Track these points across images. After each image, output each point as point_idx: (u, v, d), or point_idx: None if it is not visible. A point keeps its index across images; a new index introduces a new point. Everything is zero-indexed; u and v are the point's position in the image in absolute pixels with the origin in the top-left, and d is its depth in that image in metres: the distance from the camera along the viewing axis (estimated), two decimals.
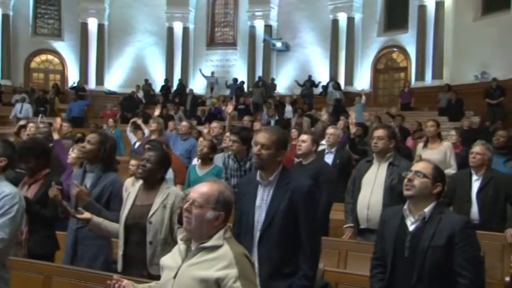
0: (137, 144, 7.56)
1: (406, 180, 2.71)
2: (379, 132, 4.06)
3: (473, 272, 2.52)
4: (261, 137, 2.75)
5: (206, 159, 5.27)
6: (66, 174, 4.83)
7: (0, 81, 17.94)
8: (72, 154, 4.85)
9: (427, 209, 2.63)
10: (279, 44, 19.06)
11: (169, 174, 4.69)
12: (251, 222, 2.73)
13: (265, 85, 17.58)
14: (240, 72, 19.82)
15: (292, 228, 2.68)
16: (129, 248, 3.12)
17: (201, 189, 2.12)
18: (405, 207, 2.72)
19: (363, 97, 14.05)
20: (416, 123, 10.44)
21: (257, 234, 2.71)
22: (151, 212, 3.07)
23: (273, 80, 18.43)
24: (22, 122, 7.22)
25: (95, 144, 3.58)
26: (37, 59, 20.15)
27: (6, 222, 2.66)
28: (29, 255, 3.63)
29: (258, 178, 2.79)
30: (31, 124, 6.90)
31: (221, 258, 2.01)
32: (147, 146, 5.43)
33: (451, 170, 5.36)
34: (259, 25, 19.47)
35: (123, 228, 3.12)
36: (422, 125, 8.92)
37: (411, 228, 2.65)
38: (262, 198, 2.75)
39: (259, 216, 2.72)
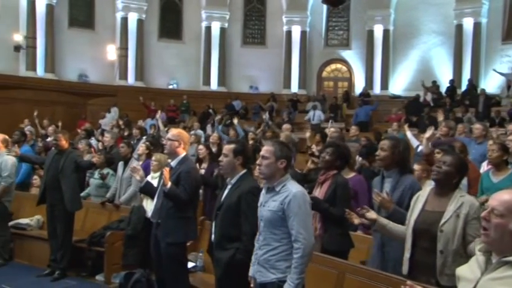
0: (419, 148, 7.40)
1: None
2: None
3: None
4: None
5: (501, 164, 4.82)
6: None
7: (297, 91, 20.12)
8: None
9: None
10: None
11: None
12: None
13: None
14: None
15: None
16: (417, 254, 3.05)
17: (503, 197, 1.95)
18: None
19: None
20: None
21: None
22: (443, 220, 2.93)
23: None
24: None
25: (388, 150, 3.63)
26: (327, 68, 21.87)
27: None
28: (325, 251, 3.94)
29: None
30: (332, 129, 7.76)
31: None
32: (437, 150, 5.27)
33: None
34: None
35: (411, 233, 3.07)
36: None
37: None
38: None
39: None
